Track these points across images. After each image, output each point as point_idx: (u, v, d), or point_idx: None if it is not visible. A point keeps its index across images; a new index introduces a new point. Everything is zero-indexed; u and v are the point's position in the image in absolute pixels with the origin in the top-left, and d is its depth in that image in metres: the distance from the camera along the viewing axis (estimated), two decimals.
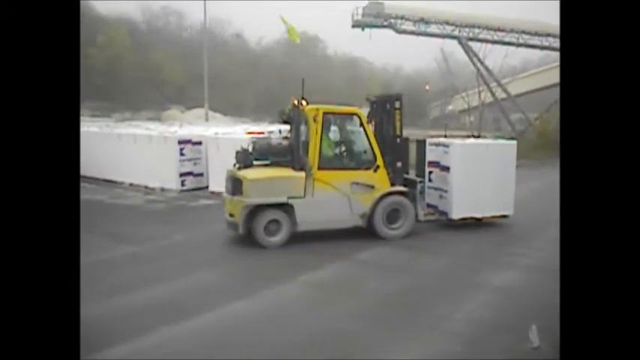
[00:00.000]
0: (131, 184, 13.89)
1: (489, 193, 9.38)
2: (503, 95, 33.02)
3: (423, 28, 31.61)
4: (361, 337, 5.02)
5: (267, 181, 8.00)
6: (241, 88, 44.63)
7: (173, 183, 13.01)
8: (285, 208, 8.00)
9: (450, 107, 45.96)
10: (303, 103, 8.24)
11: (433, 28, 31.71)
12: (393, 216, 8.58)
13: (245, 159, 8.40)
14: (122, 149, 14.09)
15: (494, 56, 31.97)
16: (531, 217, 10.39)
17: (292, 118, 8.49)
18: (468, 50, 31.74)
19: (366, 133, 8.48)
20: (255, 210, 7.89)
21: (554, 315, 3.16)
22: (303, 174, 8.03)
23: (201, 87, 30.70)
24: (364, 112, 8.91)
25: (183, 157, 13.08)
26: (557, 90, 31.29)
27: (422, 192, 9.00)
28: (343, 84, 50.02)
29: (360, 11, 31.40)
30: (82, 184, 12.60)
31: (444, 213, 9.38)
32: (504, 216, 9.74)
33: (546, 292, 5.71)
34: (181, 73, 42.70)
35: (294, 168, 8.09)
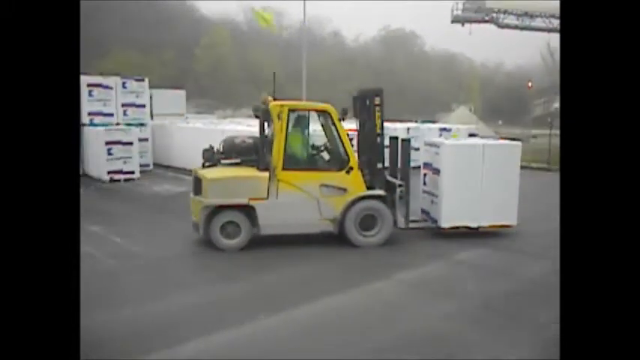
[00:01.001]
0: None
1: (487, 200, 8.36)
2: None
3: (527, 22, 30.29)
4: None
5: (226, 180, 7.60)
6: (338, 86, 45.01)
7: None
8: (247, 209, 7.56)
9: (556, 105, 43.71)
10: (269, 98, 7.78)
11: (538, 22, 30.28)
12: (368, 222, 7.88)
13: (210, 157, 8.11)
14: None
15: None
16: None
17: (259, 115, 7.91)
18: None
19: (338, 132, 7.83)
20: (216, 211, 7.55)
21: None
22: (266, 174, 7.53)
23: (299, 85, 31.29)
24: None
25: None
26: None
27: (402, 197, 7.99)
28: (440, 80, 49.07)
29: (460, 6, 30.62)
30: (182, 176, 13.35)
31: (435, 220, 8.53)
32: (505, 226, 8.64)
33: None
34: (280, 72, 43.77)
35: (258, 168, 7.65)
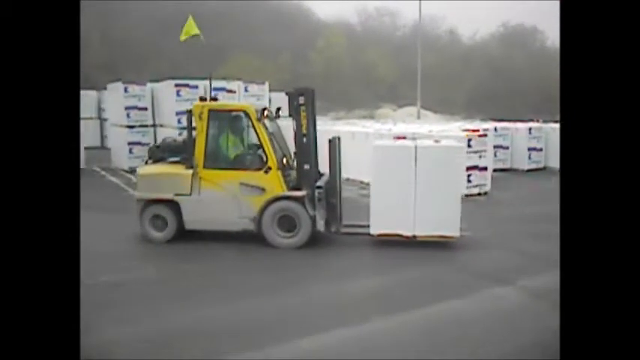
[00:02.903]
0: (347, 179, 14.57)
1: (422, 208, 7.60)
2: None
3: None
4: None
5: (154, 177, 8.16)
6: (453, 85, 43.94)
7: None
8: (173, 204, 7.97)
9: None
10: (204, 99, 8.07)
11: None
12: (288, 223, 7.79)
13: (152, 154, 8.65)
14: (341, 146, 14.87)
15: None
16: None
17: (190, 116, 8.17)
18: None
19: (256, 132, 7.89)
20: (147, 204, 8.07)
21: None
22: (190, 172, 7.90)
23: (413, 85, 30.95)
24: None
25: None
26: None
27: (320, 199, 7.69)
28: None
29: None
30: None
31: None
32: (445, 237, 7.65)
33: None
34: (394, 72, 43.59)
35: (186, 166, 8.00)
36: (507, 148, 16.52)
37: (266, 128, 8.04)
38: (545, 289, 6.01)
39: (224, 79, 15.49)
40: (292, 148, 8.14)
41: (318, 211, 7.78)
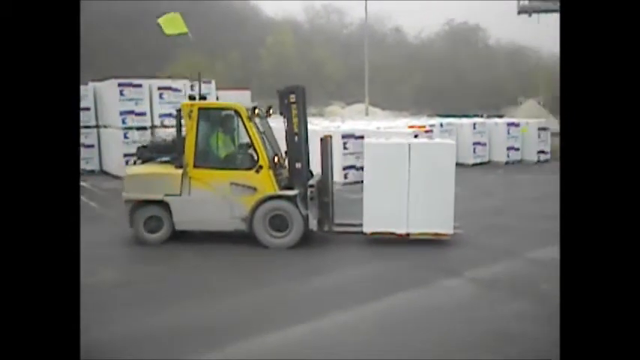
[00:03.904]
0: None
1: (415, 206, 7.58)
2: None
3: None
4: None
5: (143, 177, 7.98)
6: (400, 82, 44.67)
7: (337, 176, 13.41)
8: (164, 205, 7.82)
9: None
10: (192, 99, 7.90)
11: None
12: (280, 223, 7.68)
13: (141, 154, 8.45)
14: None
15: None
16: None
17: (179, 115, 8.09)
18: None
19: (247, 131, 7.72)
20: (137, 205, 7.90)
21: None
22: (180, 171, 7.76)
23: (361, 82, 31.27)
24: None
25: (346, 151, 13.47)
26: None
27: (313, 198, 7.57)
28: (506, 74, 47.72)
29: None
30: None
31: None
32: (439, 235, 7.64)
33: None
34: (342, 70, 43.93)
35: (175, 165, 7.87)
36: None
37: (257, 127, 7.91)
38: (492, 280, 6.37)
39: (169, 77, 15.26)
40: (283, 147, 8.02)
41: (310, 210, 7.62)
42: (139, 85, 14.59)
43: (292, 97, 7.71)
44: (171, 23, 9.09)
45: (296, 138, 7.76)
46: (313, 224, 7.62)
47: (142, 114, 14.29)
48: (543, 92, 49.01)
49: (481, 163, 16.93)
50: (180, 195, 7.75)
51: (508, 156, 17.39)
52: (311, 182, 7.69)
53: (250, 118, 7.72)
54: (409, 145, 7.73)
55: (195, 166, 7.74)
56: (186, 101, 7.95)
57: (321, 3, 54.17)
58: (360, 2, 30.07)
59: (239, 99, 19.67)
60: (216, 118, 8.05)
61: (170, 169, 7.87)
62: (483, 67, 47.99)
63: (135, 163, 8.55)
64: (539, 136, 17.79)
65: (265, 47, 42.35)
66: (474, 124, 17.31)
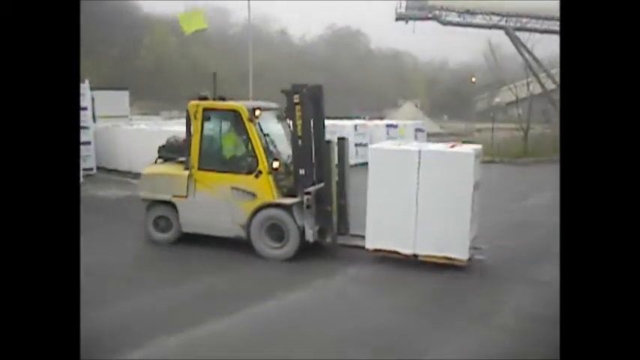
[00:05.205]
0: None
1: (426, 223, 6.61)
2: (553, 86, 32.05)
3: (468, 19, 31.08)
4: None
5: (155, 177, 7.96)
6: (285, 84, 44.89)
7: None
8: (172, 206, 7.73)
9: (497, 99, 45.07)
10: (205, 98, 7.70)
11: (479, 19, 31.11)
12: (279, 233, 7.21)
13: (161, 154, 8.37)
14: None
15: (543, 46, 31.08)
16: None
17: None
18: (515, 41, 30.97)
19: (247, 132, 7.32)
20: (150, 204, 7.95)
21: None
22: (187, 173, 7.59)
23: (246, 84, 31.05)
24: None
25: None
26: None
27: (309, 206, 7.01)
28: (386, 78, 49.73)
29: (404, 4, 31.11)
30: (128, 180, 13.05)
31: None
32: (451, 260, 6.58)
33: None
34: (227, 70, 43.33)
35: (185, 166, 7.69)
36: None
37: (260, 129, 7.46)
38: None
39: None
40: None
41: (306, 219, 7.03)
42: None
43: (296, 98, 7.16)
44: (191, 20, 8.94)
45: (300, 142, 7.19)
46: (309, 235, 7.03)
47: None
48: (421, 95, 51.69)
49: (363, 164, 17.43)
50: (186, 197, 7.58)
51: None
52: (308, 189, 7.10)
53: (251, 120, 7.29)
54: (419, 152, 6.74)
55: (199, 168, 7.54)
56: (194, 101, 7.63)
57: (202, 3, 52.99)
58: (243, 3, 29.79)
59: (117, 100, 18.91)
60: (221, 119, 7.71)
61: (179, 170, 7.70)
62: (365, 71, 49.69)
63: (156, 162, 8.26)
64: (415, 137, 18.71)
65: (144, 46, 40.72)
66: (356, 126, 17.84)
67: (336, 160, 7.46)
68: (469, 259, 6.65)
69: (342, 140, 7.67)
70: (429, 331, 5.15)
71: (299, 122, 7.16)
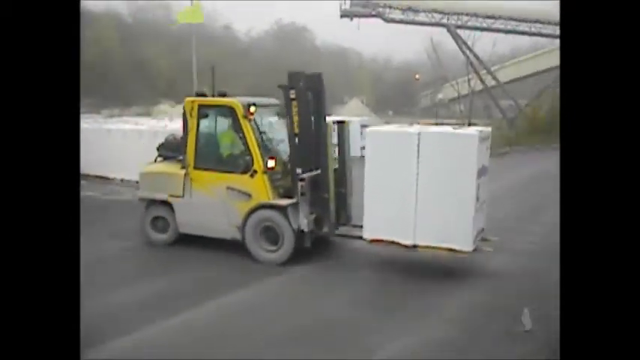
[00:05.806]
0: (122, 180, 13.84)
1: (427, 211, 6.22)
2: (493, 83, 33.03)
3: (411, 16, 31.58)
4: None
5: (152, 176, 7.82)
6: (232, 80, 44.42)
7: None
8: (169, 205, 7.59)
9: (440, 96, 46.11)
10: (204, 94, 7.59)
11: (422, 17, 31.67)
12: (274, 235, 7.01)
13: (160, 152, 8.28)
14: (112, 145, 14.07)
15: (483, 44, 32.01)
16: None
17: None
18: (456, 38, 31.73)
19: (242, 130, 7.11)
20: (148, 204, 7.83)
21: None
22: (183, 172, 7.44)
23: (191, 80, 30.51)
24: None
25: None
26: (547, 76, 31.46)
27: (304, 193, 6.80)
28: (332, 74, 49.92)
29: (348, 1, 31.32)
30: None
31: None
32: (453, 251, 6.24)
33: None
34: (172, 67, 42.44)
35: (182, 165, 7.53)
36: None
37: (257, 126, 7.21)
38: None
39: None
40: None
41: (300, 207, 6.78)
42: None
43: (292, 93, 6.87)
44: (188, 13, 8.74)
45: (296, 139, 6.91)
46: (304, 224, 6.76)
47: None
48: (366, 92, 52.17)
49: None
50: (182, 197, 7.37)
51: (334, 151, 18.16)
52: (302, 175, 6.80)
53: (246, 116, 7.05)
54: (419, 134, 6.28)
55: (195, 167, 7.34)
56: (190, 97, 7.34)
57: None
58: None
59: None
60: (218, 116, 7.43)
61: (176, 169, 7.52)
62: (311, 67, 49.71)
63: (155, 160, 7.95)
64: (361, 133, 18.88)
65: (85, 42, 39.36)
66: None
67: (336, 147, 7.31)
68: (474, 251, 6.34)
69: (341, 124, 7.43)
70: None
71: (296, 119, 6.90)
